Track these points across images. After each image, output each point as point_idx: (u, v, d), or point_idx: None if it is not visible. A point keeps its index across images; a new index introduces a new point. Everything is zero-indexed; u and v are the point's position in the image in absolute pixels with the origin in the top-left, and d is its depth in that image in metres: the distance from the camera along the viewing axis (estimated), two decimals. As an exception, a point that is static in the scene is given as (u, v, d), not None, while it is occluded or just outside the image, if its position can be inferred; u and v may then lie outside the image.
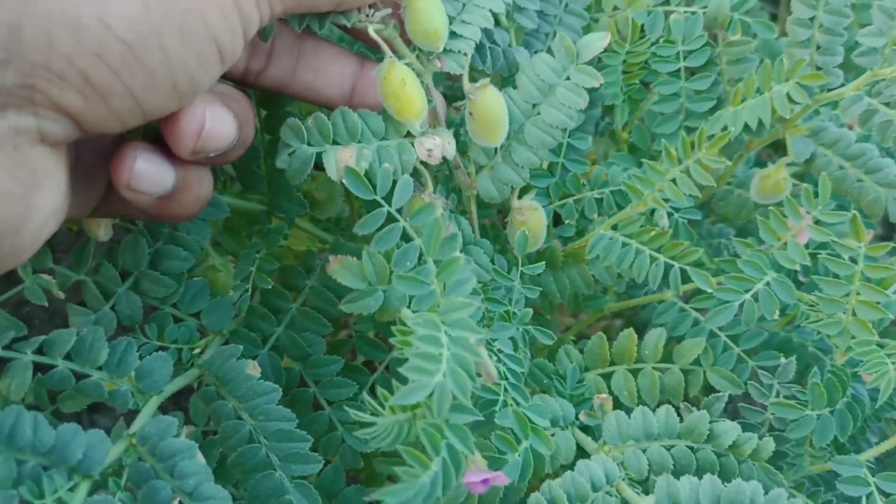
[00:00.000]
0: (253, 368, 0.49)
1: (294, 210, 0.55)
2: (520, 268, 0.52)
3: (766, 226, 0.53)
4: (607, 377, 0.55)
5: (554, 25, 0.58)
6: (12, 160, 0.35)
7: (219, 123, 0.41)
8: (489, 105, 0.47)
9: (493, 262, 0.53)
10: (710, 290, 0.52)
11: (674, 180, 0.50)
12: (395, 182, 0.44)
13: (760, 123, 0.53)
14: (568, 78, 0.49)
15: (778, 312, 0.52)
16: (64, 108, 0.35)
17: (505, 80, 0.53)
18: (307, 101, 0.48)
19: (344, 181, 0.44)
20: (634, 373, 0.54)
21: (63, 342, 0.47)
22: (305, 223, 0.58)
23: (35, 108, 0.34)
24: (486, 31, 0.51)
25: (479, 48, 0.51)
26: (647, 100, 0.60)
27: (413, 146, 0.46)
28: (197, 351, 0.53)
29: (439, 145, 0.46)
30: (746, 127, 0.54)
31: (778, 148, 0.60)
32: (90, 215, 0.44)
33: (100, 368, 0.47)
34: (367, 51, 0.53)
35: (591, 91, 0.54)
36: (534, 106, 0.49)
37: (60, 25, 0.32)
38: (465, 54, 0.47)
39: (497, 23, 0.53)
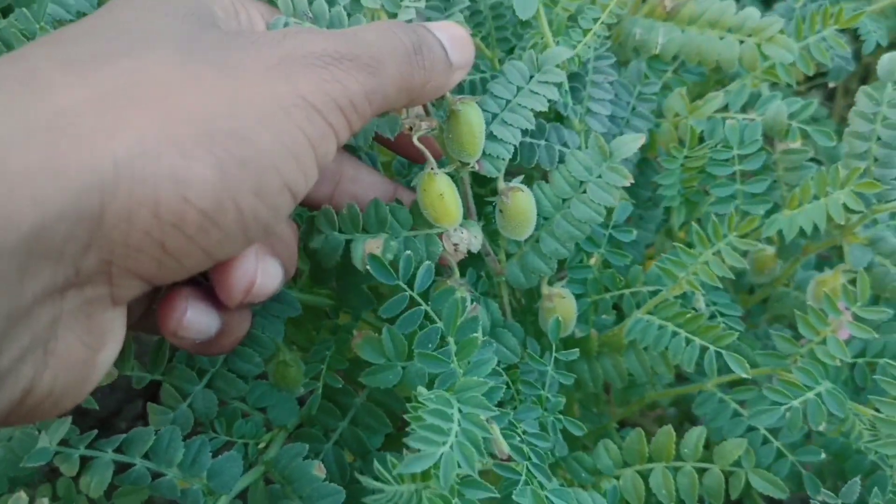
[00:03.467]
0: (318, 469, 0.53)
1: (361, 306, 0.59)
2: (553, 353, 0.55)
3: (805, 321, 0.56)
4: (645, 474, 0.57)
5: (622, 127, 0.62)
6: (84, 328, 0.37)
7: (269, 278, 0.44)
8: (519, 206, 0.52)
9: (524, 345, 0.57)
10: (745, 375, 0.54)
11: (706, 263, 0.53)
12: (417, 267, 0.49)
13: (816, 228, 0.57)
14: (600, 176, 0.52)
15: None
16: (138, 274, 0.37)
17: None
18: None
19: (368, 267, 0.49)
20: (674, 471, 0.57)
21: (142, 441, 0.51)
22: (370, 317, 0.63)
23: (110, 278, 0.37)
24: (557, 133, 0.56)
25: (549, 150, 0.56)
26: (704, 202, 0.63)
27: (440, 239, 0.51)
28: (262, 445, 0.57)
29: (466, 240, 0.51)
30: (802, 231, 0.57)
31: (840, 250, 0.62)
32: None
33: (175, 467, 0.51)
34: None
35: (653, 192, 0.57)
36: (564, 201, 0.53)
37: (140, 204, 0.34)
38: (503, 159, 0.51)
39: (568, 124, 0.58)
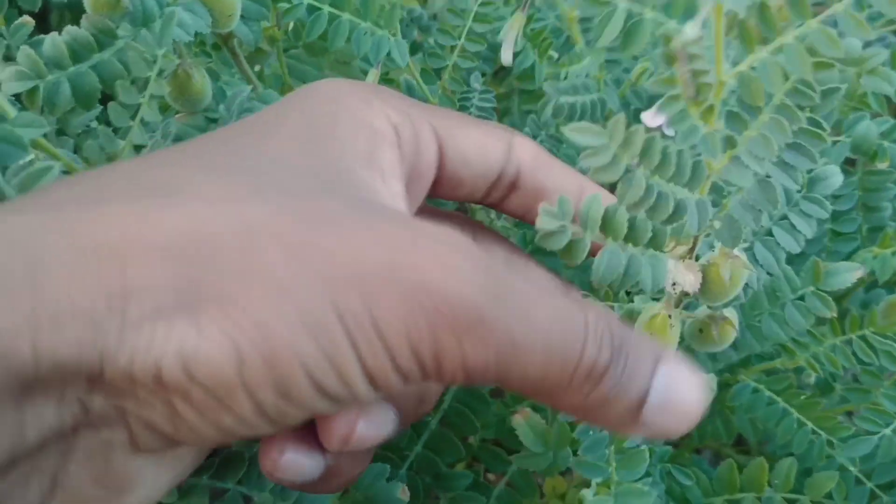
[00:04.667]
0: (403, 493, 0.52)
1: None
2: None
3: (888, 353, 0.55)
4: None
5: None
6: (101, 470, 0.34)
7: (375, 428, 0.37)
8: (722, 338, 0.47)
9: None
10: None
11: (834, 351, 0.53)
12: None
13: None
14: (801, 299, 0.50)
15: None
16: (156, 429, 0.33)
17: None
18: None
19: None
20: (763, 502, 0.56)
21: (237, 467, 0.51)
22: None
23: (127, 423, 0.33)
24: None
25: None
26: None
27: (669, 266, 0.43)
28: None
29: (690, 283, 0.43)
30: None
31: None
32: None
33: (266, 492, 0.51)
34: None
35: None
36: (756, 314, 0.51)
37: (142, 368, 0.31)
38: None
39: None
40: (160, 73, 0.44)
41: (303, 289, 0.31)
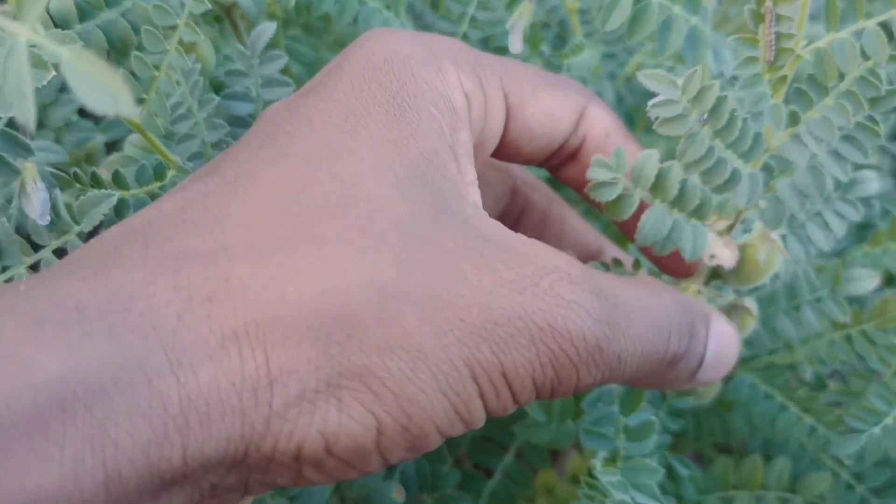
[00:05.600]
0: (398, 493, 0.51)
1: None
2: (667, 399, 0.55)
3: (887, 348, 0.55)
4: (728, 501, 0.57)
5: None
6: None
7: None
8: (741, 329, 0.47)
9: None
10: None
11: (832, 343, 0.53)
12: None
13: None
14: (819, 301, 0.51)
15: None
16: (275, 485, 0.34)
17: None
18: None
19: None
20: (756, 500, 0.56)
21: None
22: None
23: (247, 488, 0.34)
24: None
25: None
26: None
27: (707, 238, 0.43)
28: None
29: (728, 258, 0.43)
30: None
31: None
32: None
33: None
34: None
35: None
36: (772, 311, 0.52)
37: (284, 451, 0.32)
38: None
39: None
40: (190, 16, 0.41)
41: (439, 351, 0.32)
